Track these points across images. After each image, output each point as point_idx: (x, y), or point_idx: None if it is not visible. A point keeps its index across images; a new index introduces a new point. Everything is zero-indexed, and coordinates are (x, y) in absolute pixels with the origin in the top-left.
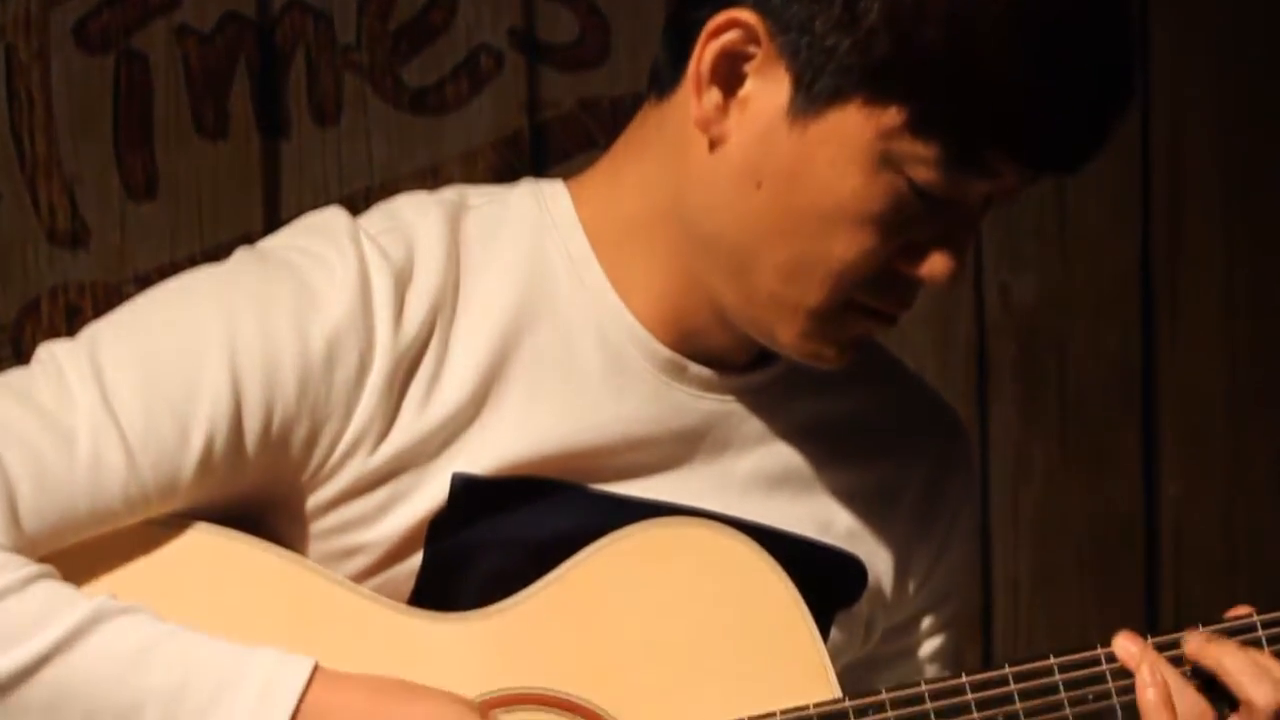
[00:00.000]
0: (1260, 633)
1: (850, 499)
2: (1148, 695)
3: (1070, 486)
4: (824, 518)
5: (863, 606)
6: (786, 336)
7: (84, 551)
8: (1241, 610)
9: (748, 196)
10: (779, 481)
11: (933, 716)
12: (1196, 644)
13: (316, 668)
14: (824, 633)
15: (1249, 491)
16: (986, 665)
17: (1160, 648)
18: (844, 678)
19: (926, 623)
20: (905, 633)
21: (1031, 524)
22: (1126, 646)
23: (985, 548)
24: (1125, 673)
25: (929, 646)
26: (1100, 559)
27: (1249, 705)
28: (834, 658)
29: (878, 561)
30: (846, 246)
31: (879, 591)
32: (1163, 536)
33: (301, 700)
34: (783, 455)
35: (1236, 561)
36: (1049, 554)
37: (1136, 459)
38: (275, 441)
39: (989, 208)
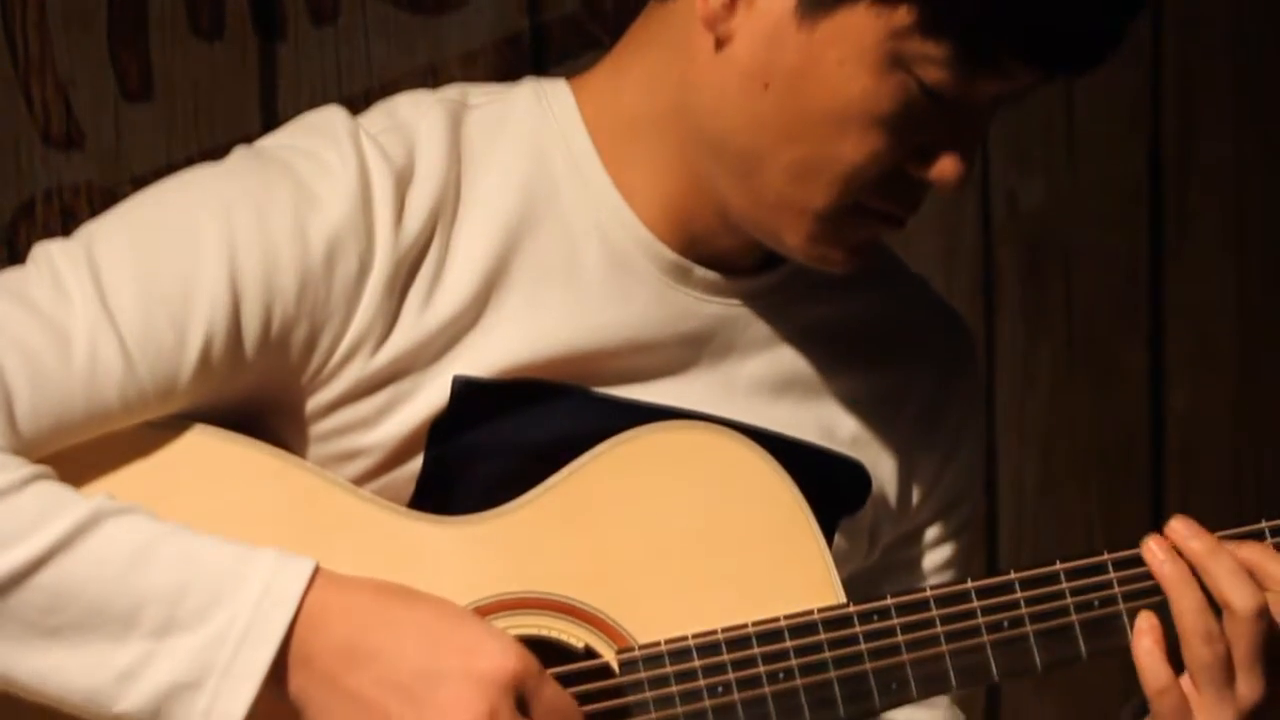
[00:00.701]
0: (1269, 540)
1: (855, 405)
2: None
3: (1076, 397)
4: (828, 424)
5: (867, 514)
6: (793, 239)
7: (82, 453)
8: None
9: (754, 97)
10: (783, 387)
11: (938, 623)
12: (1179, 539)
13: (317, 569)
14: (828, 540)
15: (1255, 405)
16: (991, 573)
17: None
18: (848, 587)
19: (932, 532)
20: (910, 542)
21: (1037, 434)
22: (1155, 552)
23: (991, 456)
24: (1131, 580)
25: (935, 556)
26: (1106, 470)
27: (1227, 609)
28: (838, 566)
29: (882, 468)
30: (855, 148)
31: (883, 499)
32: (1168, 450)
33: (302, 601)
34: (787, 360)
35: (1242, 476)
36: (1054, 464)
37: (1142, 370)
38: (274, 344)
39: (998, 110)
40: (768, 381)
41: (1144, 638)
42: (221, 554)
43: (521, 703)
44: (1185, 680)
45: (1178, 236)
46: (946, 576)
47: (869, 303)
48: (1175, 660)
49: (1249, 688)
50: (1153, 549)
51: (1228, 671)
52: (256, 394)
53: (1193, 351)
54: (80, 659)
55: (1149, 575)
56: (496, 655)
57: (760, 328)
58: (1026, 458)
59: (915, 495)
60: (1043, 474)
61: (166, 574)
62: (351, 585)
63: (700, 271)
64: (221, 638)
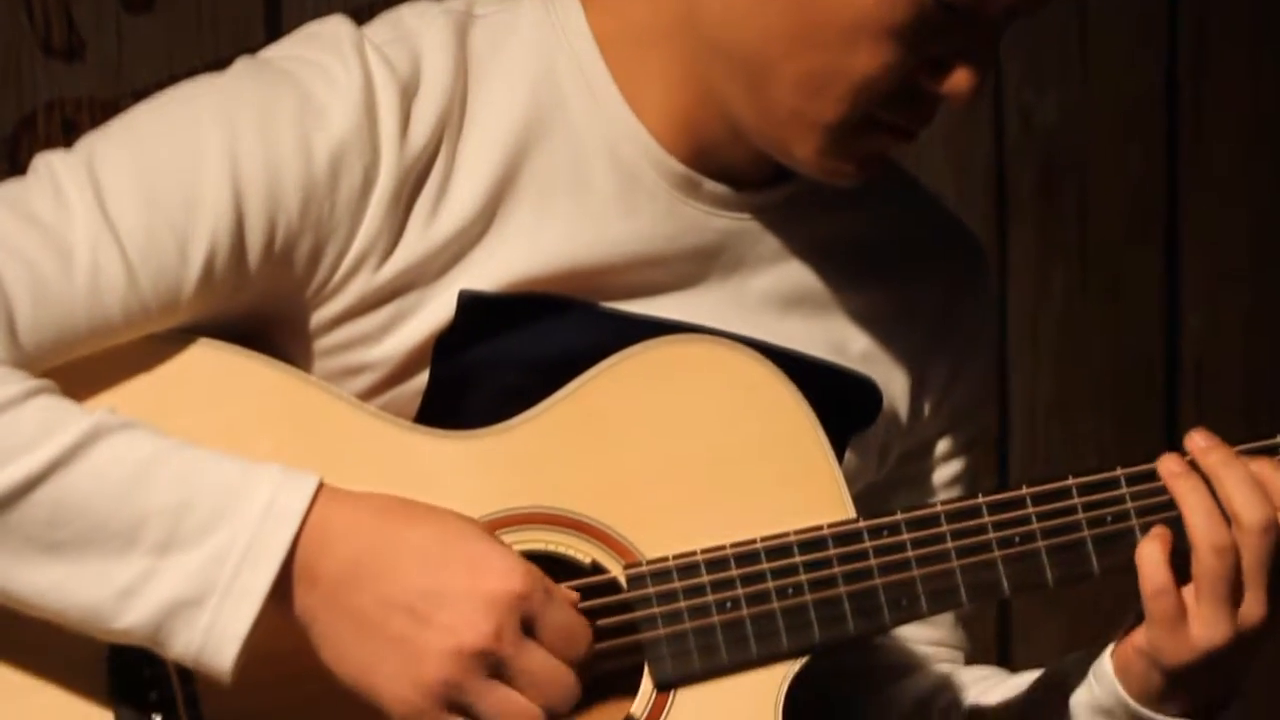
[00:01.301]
0: None
1: (865, 320)
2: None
3: (1090, 314)
4: (838, 339)
5: (878, 430)
6: (804, 153)
7: (83, 366)
8: None
9: (765, 7)
10: (793, 302)
11: (948, 538)
12: (1197, 450)
13: (321, 485)
14: (838, 457)
15: (1272, 321)
16: (1002, 490)
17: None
18: (858, 503)
19: (942, 447)
20: (920, 457)
21: (1050, 350)
22: (1169, 463)
23: (1003, 373)
24: (1144, 495)
25: (944, 471)
26: (1120, 388)
27: (1236, 520)
28: (848, 483)
29: (893, 383)
30: (867, 60)
31: (894, 414)
32: (1183, 367)
33: (306, 518)
34: (797, 275)
35: (1258, 396)
36: (1068, 381)
37: (1158, 287)
38: (278, 257)
39: (1012, 22)
40: (777, 296)
41: (1150, 542)
42: (224, 470)
43: (528, 623)
44: (1188, 591)
45: (1193, 150)
46: (956, 492)
47: (880, 217)
48: (1184, 576)
49: (1251, 606)
50: (1168, 461)
51: (1233, 587)
52: (260, 308)
53: (1209, 267)
54: (80, 575)
55: (1163, 491)
56: (503, 574)
57: (770, 242)
58: (1039, 376)
59: (925, 410)
60: (1055, 393)
61: (168, 490)
62: (356, 502)
63: (710, 185)
64: (224, 555)
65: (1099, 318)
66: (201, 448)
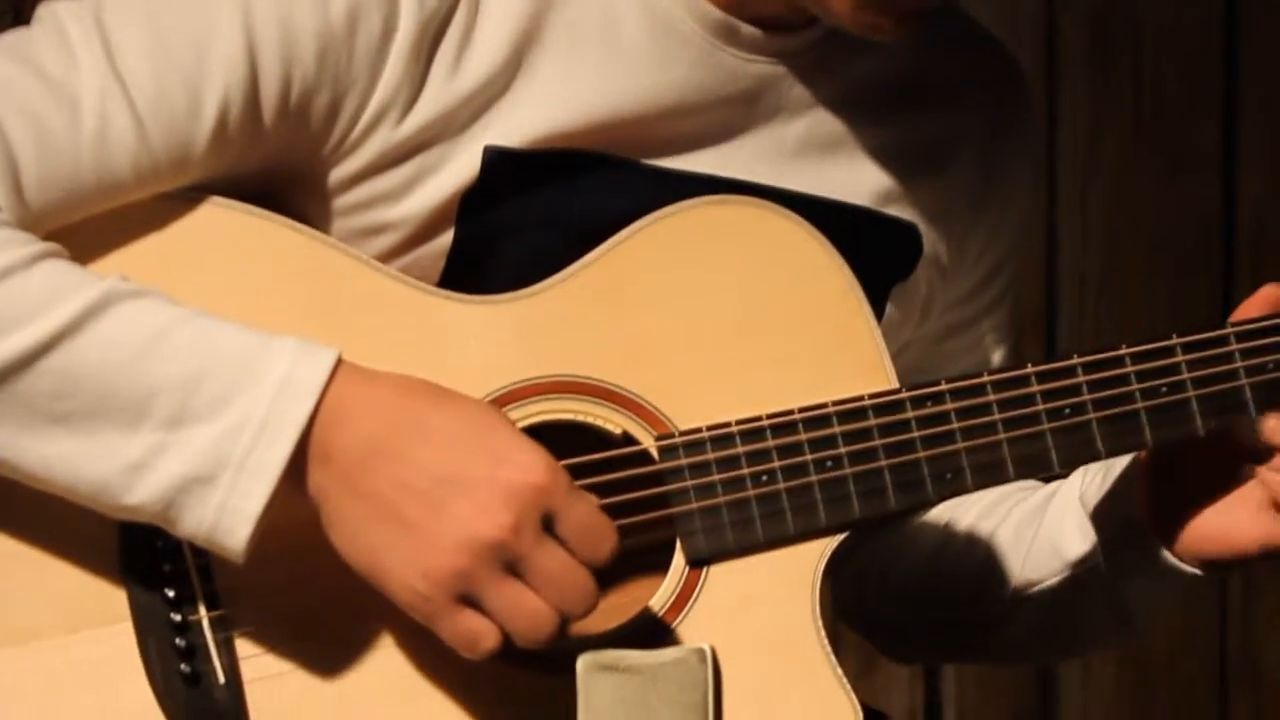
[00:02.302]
0: None
1: (905, 162)
2: None
3: (1143, 180)
4: (878, 184)
5: (919, 279)
6: (840, 5)
7: (91, 228)
8: None
9: None
10: (832, 147)
11: (995, 408)
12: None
13: (340, 360)
14: (879, 309)
15: None
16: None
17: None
18: (899, 359)
19: (986, 294)
20: (964, 305)
21: (1101, 219)
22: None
23: (1051, 242)
24: (1203, 363)
25: (991, 319)
26: (1174, 259)
27: None
28: (888, 336)
29: (934, 227)
30: None
31: (935, 260)
32: (1240, 238)
33: (323, 393)
34: (834, 120)
35: None
36: (1119, 251)
37: (1215, 153)
38: (294, 111)
39: None
40: (815, 143)
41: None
42: (240, 341)
43: (549, 520)
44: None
45: (1253, 7)
46: (1000, 339)
47: (919, 50)
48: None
49: None
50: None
51: None
52: (276, 166)
53: (1269, 132)
54: (89, 448)
55: (1221, 361)
56: (526, 466)
57: (806, 87)
58: (1089, 248)
59: (969, 255)
60: (1106, 265)
61: (181, 361)
62: (376, 379)
63: (746, 29)
64: (238, 430)
65: (1152, 185)
66: (216, 318)
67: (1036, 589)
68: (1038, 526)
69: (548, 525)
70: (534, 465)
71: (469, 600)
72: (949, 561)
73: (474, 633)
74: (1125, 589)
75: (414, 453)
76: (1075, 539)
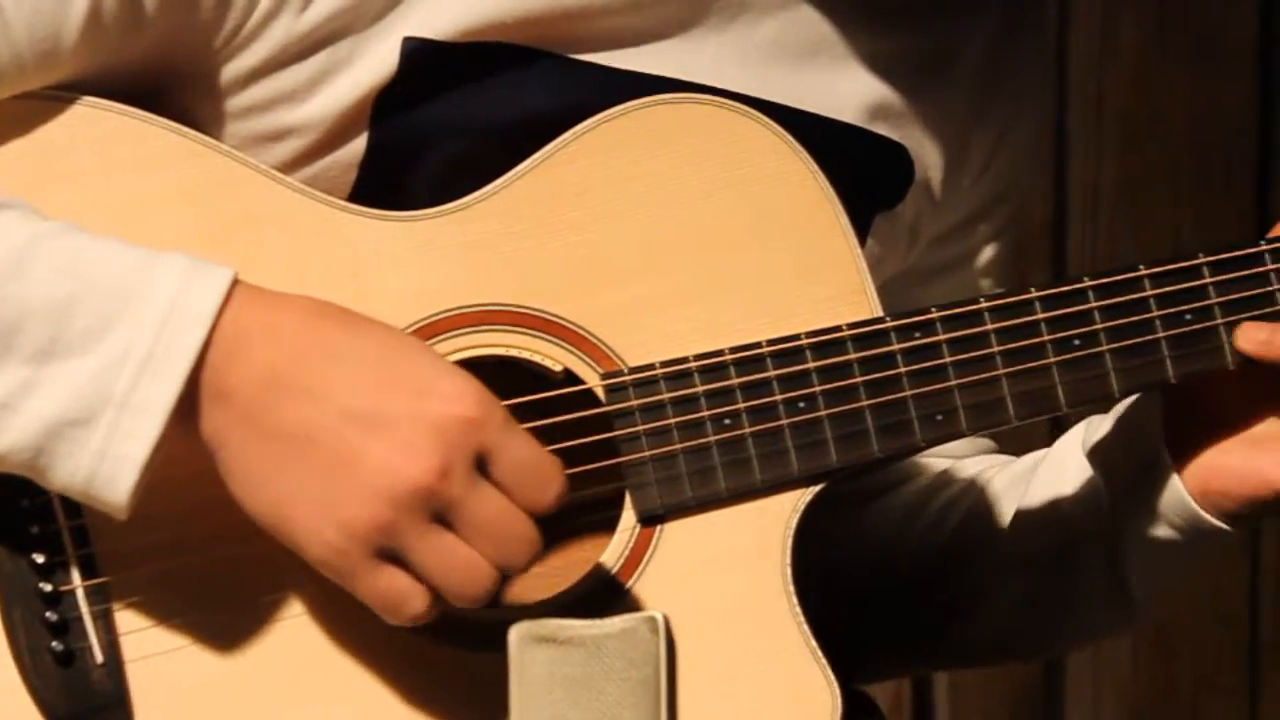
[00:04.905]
0: None
1: (895, 72)
2: None
3: (1167, 75)
4: (862, 97)
5: (906, 208)
6: None
7: None
8: None
9: None
10: (810, 53)
11: (993, 339)
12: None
13: (235, 281)
14: (859, 241)
15: None
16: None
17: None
18: (884, 296)
19: (983, 227)
20: (957, 238)
21: (1118, 119)
22: (1254, 336)
23: (1060, 146)
24: (1233, 285)
25: (985, 256)
26: (1200, 165)
27: None
28: (871, 273)
29: (927, 150)
30: None
31: (927, 187)
32: (1277, 140)
33: (217, 320)
34: (812, 19)
35: None
36: (1138, 157)
37: (1249, 42)
38: None
39: None
40: (789, 46)
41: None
42: (118, 260)
43: (482, 459)
44: None
45: None
46: (996, 279)
47: None
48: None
49: None
50: None
51: None
52: (160, 62)
53: None
54: None
55: (1255, 283)
56: (453, 397)
57: None
58: (1104, 151)
59: (965, 179)
60: (1123, 171)
61: (50, 284)
62: (278, 302)
63: None
64: (118, 364)
65: (1177, 79)
66: (89, 234)
67: (1022, 556)
68: (1028, 485)
69: (481, 466)
70: (462, 396)
71: (392, 556)
72: (913, 539)
73: (398, 593)
74: (1129, 551)
75: (323, 384)
76: (1076, 490)
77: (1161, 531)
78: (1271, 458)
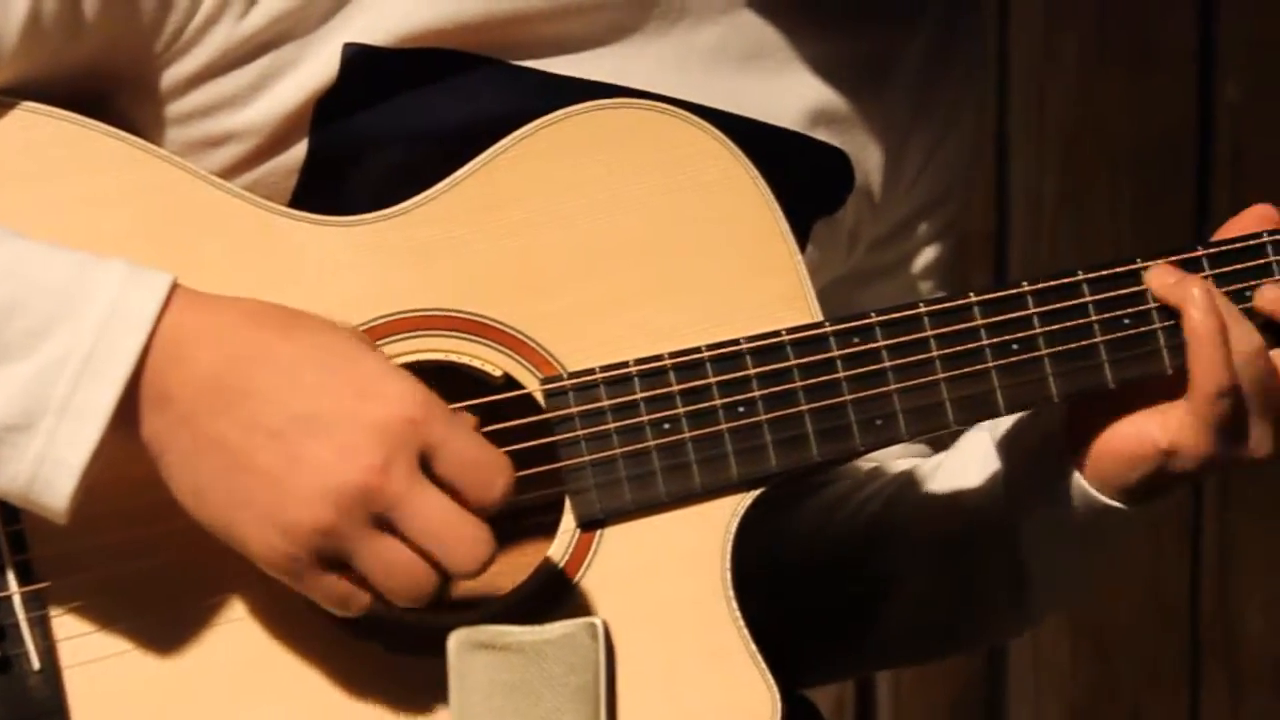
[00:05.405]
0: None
1: (835, 77)
2: (1196, 321)
3: (1108, 85)
4: (803, 102)
5: (847, 212)
6: None
7: None
8: None
9: None
10: (752, 59)
11: (932, 344)
12: (1272, 292)
13: (175, 286)
14: (800, 246)
15: None
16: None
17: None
18: (824, 302)
19: (922, 229)
20: (896, 241)
21: (1059, 129)
22: (1164, 278)
23: (1001, 157)
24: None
25: (924, 258)
26: (1141, 174)
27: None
28: (812, 276)
29: (867, 155)
30: None
31: (867, 192)
32: (1217, 151)
33: (157, 324)
34: (753, 26)
35: None
36: (1079, 166)
37: (1189, 50)
38: (120, 1)
39: None
40: (730, 52)
41: (1207, 337)
42: (58, 265)
43: (426, 459)
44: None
45: None
46: (936, 282)
47: None
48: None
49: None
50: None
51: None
52: (101, 67)
53: (1251, 31)
54: None
55: None
56: (394, 398)
57: None
58: (1045, 159)
59: (904, 182)
60: (1064, 179)
61: None
62: (218, 306)
63: None
64: (57, 368)
65: (1118, 89)
66: (28, 238)
67: (931, 540)
68: (939, 469)
69: (425, 466)
70: (403, 396)
71: (336, 559)
72: (834, 529)
73: (342, 595)
74: (1026, 532)
75: (264, 388)
76: (980, 473)
77: (1057, 512)
78: (1157, 419)
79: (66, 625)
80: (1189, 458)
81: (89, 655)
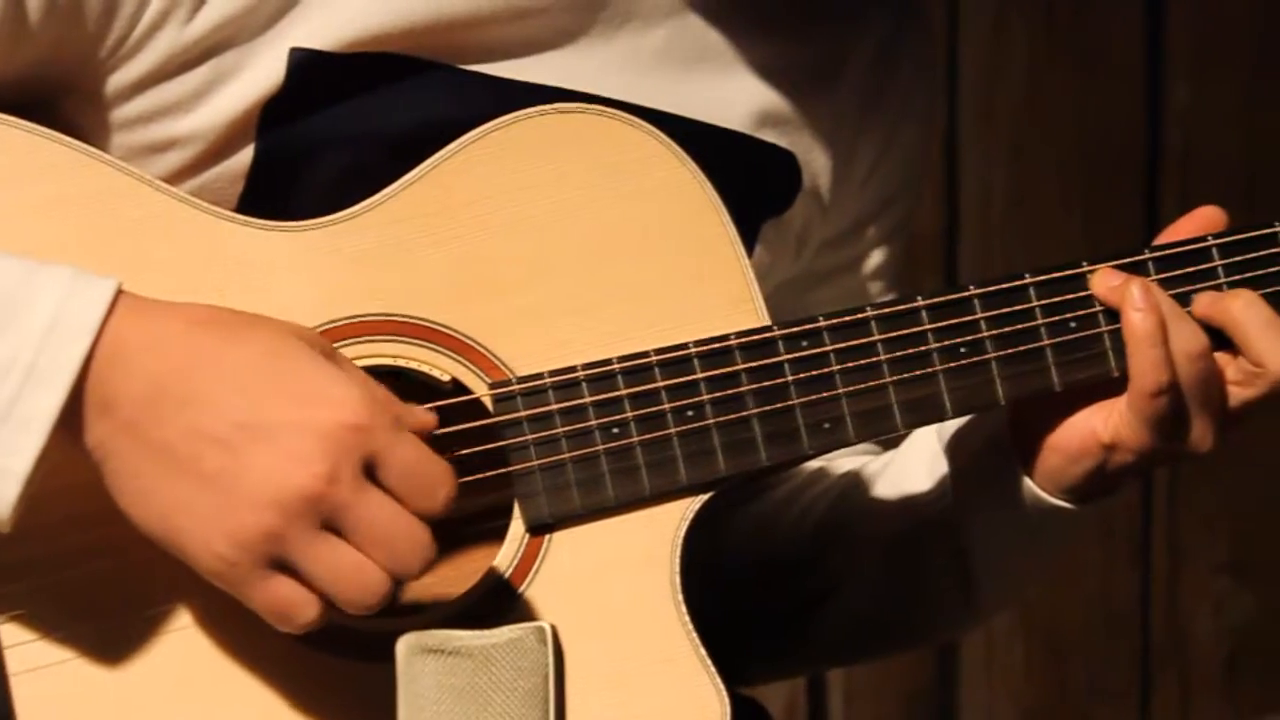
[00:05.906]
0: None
1: (782, 79)
2: (1135, 321)
3: (1057, 85)
4: (750, 104)
5: (795, 214)
6: None
7: None
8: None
9: None
10: (698, 61)
11: (880, 348)
12: (1208, 298)
13: (120, 292)
14: (747, 250)
15: (1273, 100)
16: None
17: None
18: (772, 305)
19: (872, 230)
20: (846, 243)
21: (1008, 130)
22: (1107, 281)
23: (950, 158)
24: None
25: (873, 260)
26: (1091, 175)
27: (1259, 364)
28: (759, 281)
29: (815, 156)
30: None
31: (815, 194)
32: (1166, 153)
33: (101, 331)
34: (700, 28)
35: (1255, 182)
36: (1028, 167)
37: (1139, 57)
38: (64, 7)
39: None
40: (676, 54)
41: (1147, 336)
42: (2, 271)
43: (371, 464)
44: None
45: None
46: (886, 283)
47: None
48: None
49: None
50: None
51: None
52: (46, 73)
53: (1200, 36)
54: None
55: None
56: (340, 403)
57: None
58: (994, 162)
59: (854, 183)
60: (1014, 182)
61: None
62: (163, 312)
63: None
64: (0, 375)
65: (1068, 92)
66: None
67: (877, 537)
68: (886, 467)
69: (370, 472)
70: (349, 401)
71: (282, 565)
72: (784, 527)
73: (289, 602)
74: (971, 530)
75: (209, 394)
76: (926, 472)
77: (1004, 512)
78: (1100, 414)
79: (12, 633)
80: (1129, 451)
81: (36, 662)
